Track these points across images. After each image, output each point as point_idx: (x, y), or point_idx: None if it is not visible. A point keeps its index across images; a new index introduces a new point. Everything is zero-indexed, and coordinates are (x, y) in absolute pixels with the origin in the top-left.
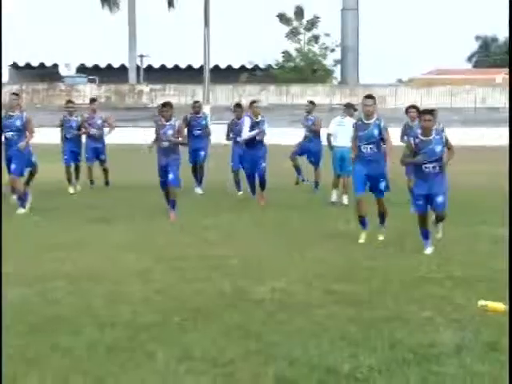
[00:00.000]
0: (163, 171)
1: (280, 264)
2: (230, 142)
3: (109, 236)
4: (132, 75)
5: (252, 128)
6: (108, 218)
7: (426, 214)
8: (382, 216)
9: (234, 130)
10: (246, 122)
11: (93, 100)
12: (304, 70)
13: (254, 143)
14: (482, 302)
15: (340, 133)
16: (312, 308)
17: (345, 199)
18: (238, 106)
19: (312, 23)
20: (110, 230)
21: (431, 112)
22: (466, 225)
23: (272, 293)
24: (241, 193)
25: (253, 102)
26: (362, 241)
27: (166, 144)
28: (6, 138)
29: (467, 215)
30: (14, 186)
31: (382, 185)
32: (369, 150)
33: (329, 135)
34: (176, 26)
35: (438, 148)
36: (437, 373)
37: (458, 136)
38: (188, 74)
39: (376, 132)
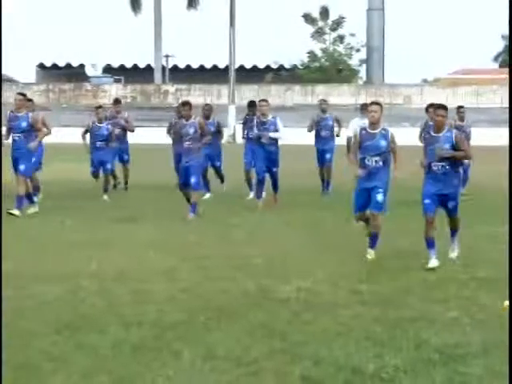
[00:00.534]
0: (184, 172)
1: (305, 264)
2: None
3: (134, 235)
4: (158, 75)
5: (258, 128)
6: (134, 217)
7: (433, 217)
8: (374, 237)
9: (246, 127)
10: (254, 122)
11: (117, 101)
12: (329, 70)
13: (266, 144)
14: (507, 303)
15: None
16: (337, 308)
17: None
18: (252, 104)
19: (337, 23)
20: (136, 229)
21: (445, 107)
22: (489, 225)
23: (297, 292)
24: (252, 195)
25: (259, 101)
26: (369, 257)
27: (187, 144)
28: (13, 139)
29: (491, 216)
30: (21, 186)
31: (380, 196)
32: (374, 163)
33: (350, 138)
34: (201, 26)
35: (446, 146)
36: (463, 373)
37: (483, 136)
38: (213, 74)
39: (383, 143)
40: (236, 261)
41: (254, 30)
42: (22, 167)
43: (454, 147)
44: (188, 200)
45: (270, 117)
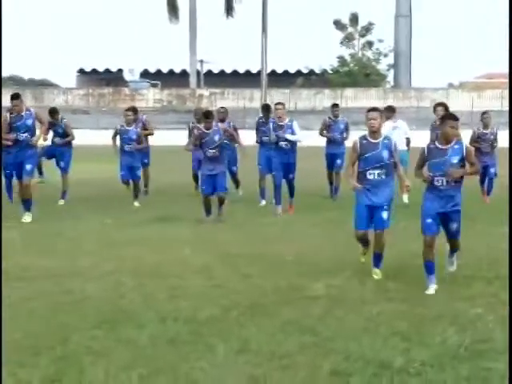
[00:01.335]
0: (209, 181)
1: (334, 262)
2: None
3: (169, 234)
4: (193, 80)
5: (274, 131)
6: (168, 216)
7: (434, 239)
8: (379, 256)
9: (259, 129)
10: (270, 126)
11: (131, 110)
12: (357, 74)
13: (283, 148)
14: None
15: (396, 136)
16: (365, 305)
17: (405, 198)
18: (266, 107)
19: (366, 29)
20: (170, 228)
21: (456, 118)
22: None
23: (327, 289)
24: (264, 202)
25: (275, 104)
26: (362, 260)
27: (213, 152)
28: (18, 140)
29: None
30: (27, 189)
31: (385, 214)
32: (376, 176)
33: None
34: (235, 32)
35: (455, 160)
36: (487, 368)
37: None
38: (246, 79)
39: (386, 154)
40: (267, 259)
41: (285, 36)
42: (28, 167)
43: (463, 160)
44: (207, 210)
45: (286, 120)
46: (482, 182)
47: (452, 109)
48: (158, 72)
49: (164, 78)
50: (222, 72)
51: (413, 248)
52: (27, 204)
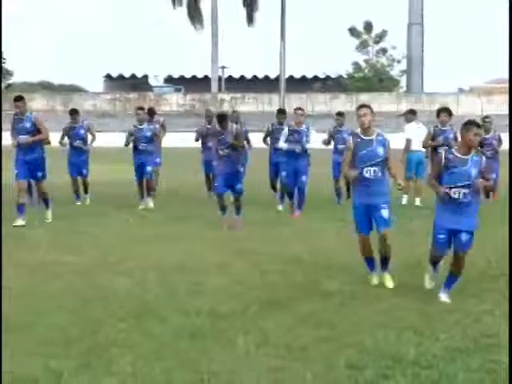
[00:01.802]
0: (223, 181)
1: (348, 259)
2: (268, 148)
3: (190, 231)
4: (214, 85)
5: (290, 136)
6: (189, 215)
7: (443, 256)
8: (386, 260)
9: (272, 135)
10: (284, 132)
11: (142, 109)
12: (372, 79)
13: (296, 153)
14: None
15: (417, 137)
16: (379, 300)
17: (417, 201)
18: (281, 111)
19: (380, 37)
20: (191, 226)
21: (479, 125)
22: None
23: (341, 285)
24: (281, 207)
25: (296, 109)
26: (375, 282)
27: (226, 151)
28: (18, 143)
29: None
30: (42, 189)
31: (385, 212)
32: (372, 173)
33: (408, 140)
34: (255, 40)
35: (474, 171)
36: (495, 361)
37: None
38: (265, 84)
39: (381, 151)
40: (283, 256)
41: (302, 43)
42: (39, 174)
43: (480, 174)
44: (222, 208)
45: (303, 126)
46: None
47: (462, 113)
48: (182, 78)
49: (187, 84)
50: (243, 77)
51: (424, 246)
52: (46, 203)
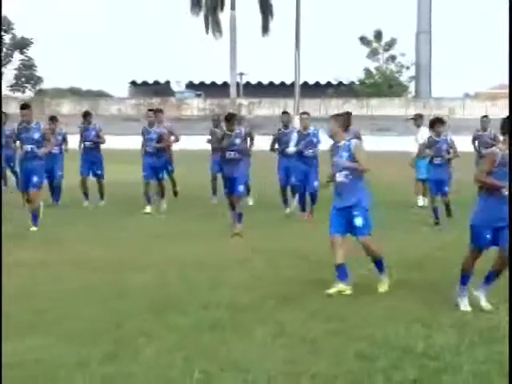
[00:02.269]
0: (229, 183)
1: (358, 255)
2: (277, 154)
3: (210, 229)
4: (233, 90)
5: (302, 140)
6: (207, 214)
7: (482, 252)
8: (377, 263)
9: (280, 141)
10: (294, 136)
11: (158, 111)
12: (382, 85)
13: (306, 157)
14: None
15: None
16: (389, 294)
17: (420, 201)
18: (285, 113)
19: (390, 45)
20: (210, 223)
21: None
22: None
23: (354, 279)
24: (288, 210)
25: (301, 114)
26: (330, 292)
27: (233, 154)
28: (25, 151)
29: None
30: (32, 200)
31: (359, 220)
32: (343, 178)
33: (421, 145)
34: (271, 47)
35: None
36: (500, 352)
37: None
38: (281, 90)
39: (345, 156)
40: (298, 253)
41: (316, 50)
42: (34, 179)
43: None
44: (233, 206)
45: (311, 129)
46: None
47: (468, 117)
48: (202, 83)
49: (207, 89)
50: (259, 83)
51: (432, 242)
52: (34, 217)
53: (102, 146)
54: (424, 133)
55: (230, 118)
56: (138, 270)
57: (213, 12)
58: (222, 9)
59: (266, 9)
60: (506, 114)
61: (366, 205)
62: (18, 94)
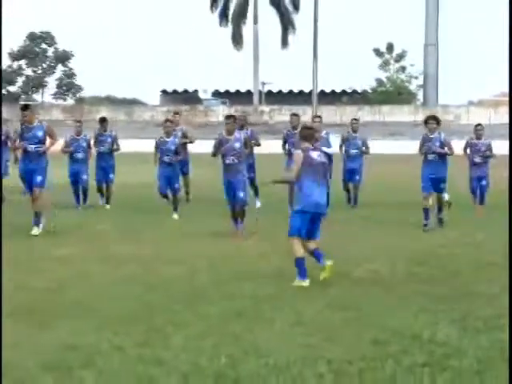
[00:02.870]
0: (229, 188)
1: (372, 250)
2: (285, 155)
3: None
4: (255, 98)
5: None
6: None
7: None
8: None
9: (289, 141)
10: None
11: (176, 113)
12: (392, 93)
13: None
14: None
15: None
16: (399, 286)
17: (446, 196)
18: (294, 115)
19: (400, 56)
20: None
21: None
22: None
23: (366, 273)
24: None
25: (313, 117)
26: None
27: (232, 159)
28: (27, 151)
29: None
30: (36, 199)
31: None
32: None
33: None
34: (291, 58)
35: None
36: (503, 340)
37: None
38: (299, 97)
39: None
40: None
41: (332, 61)
42: (39, 178)
43: None
44: (235, 217)
45: (323, 132)
46: (473, 191)
47: (472, 122)
48: (227, 92)
49: (232, 97)
50: (280, 92)
51: (438, 239)
52: (36, 217)
53: (128, 150)
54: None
55: (228, 117)
56: (167, 264)
57: (237, 26)
58: (245, 23)
59: (286, 23)
60: (506, 119)
61: (296, 208)
62: (60, 102)
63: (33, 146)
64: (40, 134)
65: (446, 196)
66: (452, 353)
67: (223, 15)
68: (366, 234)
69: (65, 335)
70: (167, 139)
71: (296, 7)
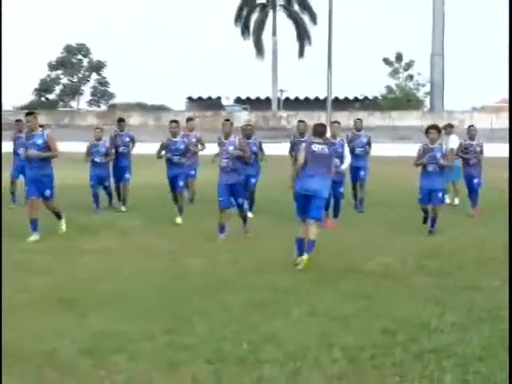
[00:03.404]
0: (225, 191)
1: (384, 245)
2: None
3: (259, 224)
4: (274, 104)
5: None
6: (258, 210)
7: None
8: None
9: (296, 147)
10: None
11: (189, 119)
12: (401, 100)
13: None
14: None
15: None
16: (408, 278)
17: (456, 200)
18: (301, 121)
19: (408, 65)
20: (261, 219)
21: None
22: None
23: (377, 266)
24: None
25: (332, 122)
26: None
27: (224, 163)
28: (29, 158)
29: None
30: (49, 208)
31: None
32: None
33: (452, 149)
34: (307, 67)
35: None
36: (504, 329)
37: None
38: (315, 104)
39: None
40: (332, 242)
41: (345, 70)
42: (47, 192)
43: None
44: (221, 228)
45: (339, 139)
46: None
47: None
48: (248, 98)
49: (252, 103)
50: (297, 98)
51: (446, 233)
52: (58, 216)
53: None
54: (453, 140)
55: (226, 120)
56: (191, 258)
57: (258, 38)
58: (264, 35)
59: (303, 35)
60: (507, 124)
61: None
62: (94, 108)
63: (32, 151)
64: (39, 141)
65: (446, 199)
66: (457, 341)
67: (245, 28)
68: (375, 230)
69: (100, 323)
70: (174, 139)
71: (313, 20)
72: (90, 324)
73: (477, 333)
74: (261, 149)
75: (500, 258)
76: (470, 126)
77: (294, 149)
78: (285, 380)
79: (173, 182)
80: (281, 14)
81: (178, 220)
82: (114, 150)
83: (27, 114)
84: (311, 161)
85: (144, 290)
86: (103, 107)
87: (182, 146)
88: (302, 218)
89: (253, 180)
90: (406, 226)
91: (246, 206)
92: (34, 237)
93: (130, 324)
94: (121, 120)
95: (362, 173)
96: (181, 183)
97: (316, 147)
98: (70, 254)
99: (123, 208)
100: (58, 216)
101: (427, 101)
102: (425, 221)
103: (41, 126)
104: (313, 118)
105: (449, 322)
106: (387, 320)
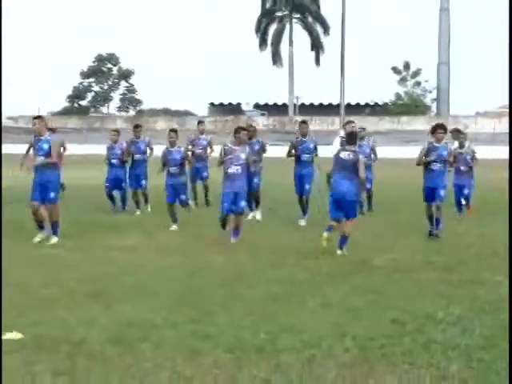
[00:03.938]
0: (230, 197)
1: (394, 241)
2: (293, 161)
3: (266, 222)
4: (290, 110)
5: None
6: (272, 208)
7: None
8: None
9: (298, 148)
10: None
11: (200, 122)
12: (409, 106)
13: None
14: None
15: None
16: (416, 272)
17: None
18: (304, 122)
19: (416, 73)
20: (273, 217)
21: None
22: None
23: (387, 261)
24: (303, 223)
25: (349, 122)
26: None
27: (236, 168)
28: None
29: None
30: (52, 213)
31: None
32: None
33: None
34: (321, 75)
35: None
36: (505, 320)
37: None
38: (329, 109)
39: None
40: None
41: (357, 77)
42: (52, 195)
43: None
44: (223, 226)
45: (366, 138)
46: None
47: (479, 131)
48: (266, 104)
49: (270, 109)
50: (312, 104)
51: (453, 229)
52: (53, 227)
53: None
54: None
55: (237, 131)
56: (211, 253)
57: (275, 48)
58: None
59: (317, 45)
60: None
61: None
62: (123, 113)
63: (40, 158)
64: (45, 146)
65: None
66: (461, 331)
67: (262, 39)
68: (385, 229)
69: (126, 314)
70: (171, 149)
71: (326, 31)
72: (116, 314)
73: (479, 323)
74: (263, 149)
75: (501, 254)
76: (460, 133)
77: (295, 148)
78: (301, 367)
79: (172, 191)
80: (297, 26)
81: (174, 227)
82: (129, 156)
83: (34, 118)
84: (339, 167)
85: (167, 283)
86: (131, 112)
87: (178, 157)
88: (335, 219)
89: (255, 180)
90: (414, 225)
91: (244, 210)
92: (40, 236)
93: (154, 314)
94: (137, 126)
95: (368, 185)
96: (182, 196)
97: (343, 154)
98: (97, 250)
99: (148, 208)
100: (54, 229)
101: (434, 106)
102: (430, 234)
103: (52, 129)
104: (326, 123)
105: (454, 313)
106: (396, 312)
